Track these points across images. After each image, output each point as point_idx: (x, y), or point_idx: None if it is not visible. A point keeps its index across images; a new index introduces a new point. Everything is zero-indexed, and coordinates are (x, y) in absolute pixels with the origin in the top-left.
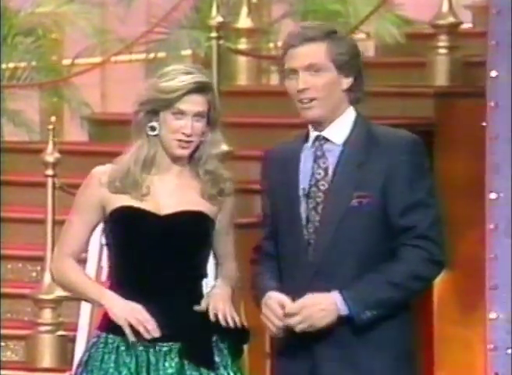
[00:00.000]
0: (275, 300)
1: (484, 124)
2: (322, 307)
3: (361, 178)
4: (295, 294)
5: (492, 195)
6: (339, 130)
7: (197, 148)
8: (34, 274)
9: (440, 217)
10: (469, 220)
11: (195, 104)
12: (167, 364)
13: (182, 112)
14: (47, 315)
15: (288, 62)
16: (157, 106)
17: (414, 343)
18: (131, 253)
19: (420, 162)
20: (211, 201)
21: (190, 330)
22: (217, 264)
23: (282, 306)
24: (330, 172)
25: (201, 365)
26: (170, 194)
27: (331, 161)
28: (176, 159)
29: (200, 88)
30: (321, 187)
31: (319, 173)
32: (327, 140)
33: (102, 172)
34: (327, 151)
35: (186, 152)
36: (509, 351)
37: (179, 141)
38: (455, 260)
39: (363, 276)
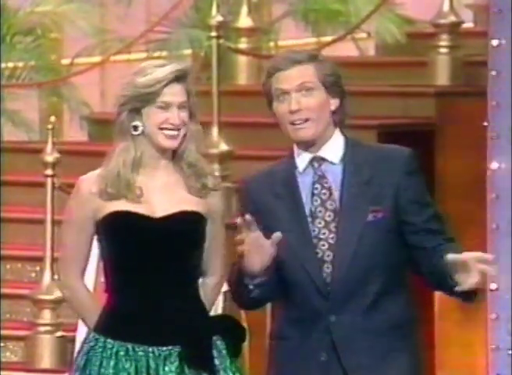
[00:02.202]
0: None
1: (485, 124)
2: None
3: (373, 193)
4: (314, 314)
5: (493, 195)
6: (334, 150)
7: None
8: (33, 275)
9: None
10: (470, 220)
11: (178, 94)
12: (167, 368)
13: (167, 104)
14: (46, 315)
15: (277, 84)
16: (139, 103)
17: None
18: (128, 257)
19: (421, 174)
20: (197, 195)
21: (189, 333)
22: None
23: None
24: (335, 191)
25: (201, 369)
26: (161, 194)
27: (332, 180)
28: (161, 156)
29: (181, 77)
30: (329, 207)
31: (324, 193)
32: (324, 160)
33: (89, 181)
34: (326, 171)
35: (175, 143)
36: (510, 351)
37: (166, 132)
38: None
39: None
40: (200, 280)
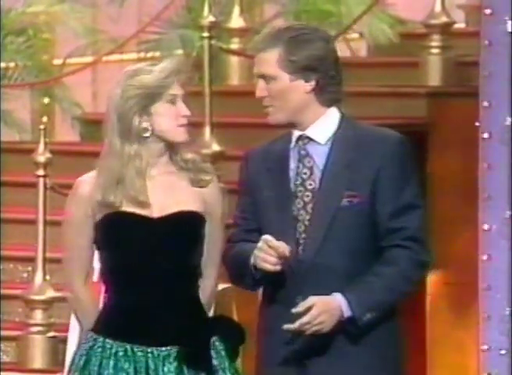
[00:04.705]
0: (264, 241)
1: (477, 124)
2: (333, 312)
3: (351, 178)
4: (284, 294)
5: (485, 195)
6: (323, 129)
7: None
8: (25, 275)
9: (425, 217)
10: (462, 220)
11: (179, 87)
12: (166, 369)
13: (174, 97)
14: (38, 316)
15: None
16: (148, 100)
17: (404, 347)
18: (126, 258)
19: (408, 163)
20: (197, 184)
21: (187, 333)
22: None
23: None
24: (317, 171)
25: (199, 369)
26: (160, 193)
27: (317, 160)
28: (162, 154)
29: (181, 71)
30: (309, 187)
31: (305, 173)
32: (310, 139)
33: (87, 183)
34: (311, 150)
35: (187, 137)
36: (502, 351)
37: (182, 125)
38: (448, 260)
39: (359, 279)
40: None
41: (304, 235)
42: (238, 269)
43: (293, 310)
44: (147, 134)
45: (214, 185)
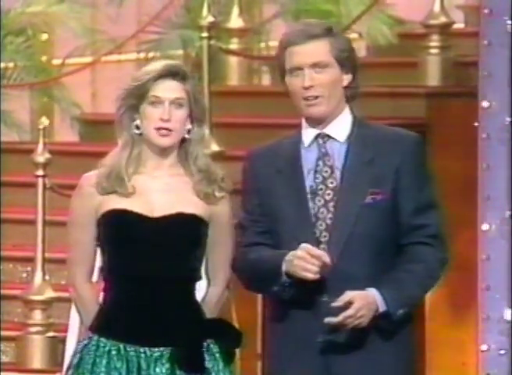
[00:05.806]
0: (305, 250)
1: (476, 124)
2: (371, 306)
3: (373, 174)
4: (306, 295)
5: (485, 195)
6: (341, 127)
7: (182, 144)
8: (25, 275)
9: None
10: (462, 221)
11: (170, 90)
12: (158, 369)
13: (158, 100)
14: (37, 316)
15: (291, 59)
16: (135, 99)
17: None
18: (122, 255)
19: (425, 161)
20: (206, 200)
21: (181, 335)
22: (207, 272)
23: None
24: (337, 169)
25: (192, 371)
26: (162, 193)
27: (336, 158)
28: (164, 156)
29: (173, 73)
30: (330, 185)
31: (326, 171)
32: (329, 137)
33: (91, 178)
34: (330, 148)
35: (167, 142)
36: (501, 352)
37: (159, 129)
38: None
39: (390, 276)
40: (204, 287)
41: (325, 233)
42: (261, 277)
43: (333, 304)
44: (138, 132)
45: (224, 202)
